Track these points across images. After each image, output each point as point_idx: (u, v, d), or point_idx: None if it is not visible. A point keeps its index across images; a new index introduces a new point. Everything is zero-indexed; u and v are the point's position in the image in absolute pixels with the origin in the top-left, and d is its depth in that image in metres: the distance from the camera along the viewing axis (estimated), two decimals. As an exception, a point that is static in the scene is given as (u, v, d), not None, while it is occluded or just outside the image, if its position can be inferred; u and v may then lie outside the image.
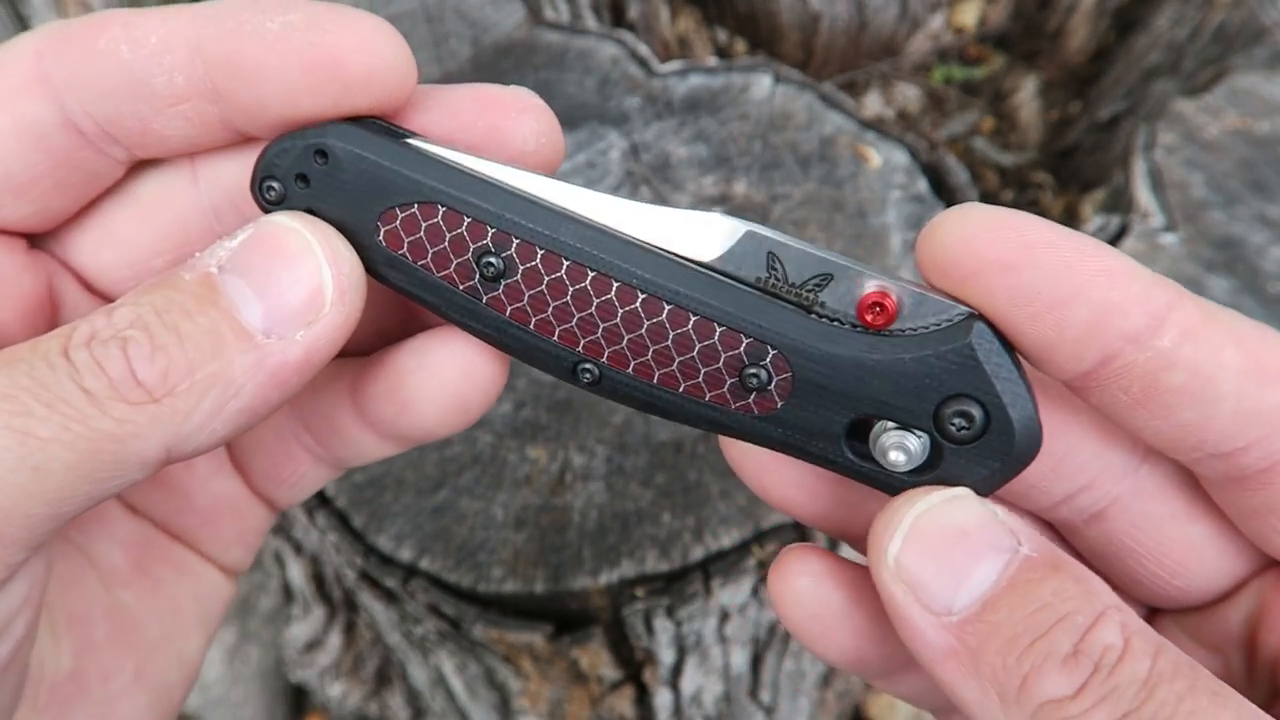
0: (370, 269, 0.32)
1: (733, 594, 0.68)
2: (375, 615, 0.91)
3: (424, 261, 0.31)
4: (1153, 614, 0.35)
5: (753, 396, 0.29)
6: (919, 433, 0.28)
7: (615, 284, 0.29)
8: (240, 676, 1.53)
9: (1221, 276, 0.90)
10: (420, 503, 0.68)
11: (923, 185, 0.82)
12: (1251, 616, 0.31)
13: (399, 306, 0.38)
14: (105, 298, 0.37)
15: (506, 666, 0.76)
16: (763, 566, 0.67)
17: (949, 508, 0.28)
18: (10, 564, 0.28)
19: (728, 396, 0.30)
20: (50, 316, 0.36)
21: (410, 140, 0.32)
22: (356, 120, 0.32)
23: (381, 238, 0.31)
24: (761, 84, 0.88)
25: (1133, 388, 0.28)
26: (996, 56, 1.79)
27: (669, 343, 0.29)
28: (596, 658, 0.74)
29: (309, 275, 0.30)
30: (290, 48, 0.31)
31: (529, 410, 0.70)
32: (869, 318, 0.29)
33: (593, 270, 0.30)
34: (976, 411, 0.28)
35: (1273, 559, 0.31)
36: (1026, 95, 1.72)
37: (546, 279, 0.30)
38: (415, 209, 0.31)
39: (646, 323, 0.30)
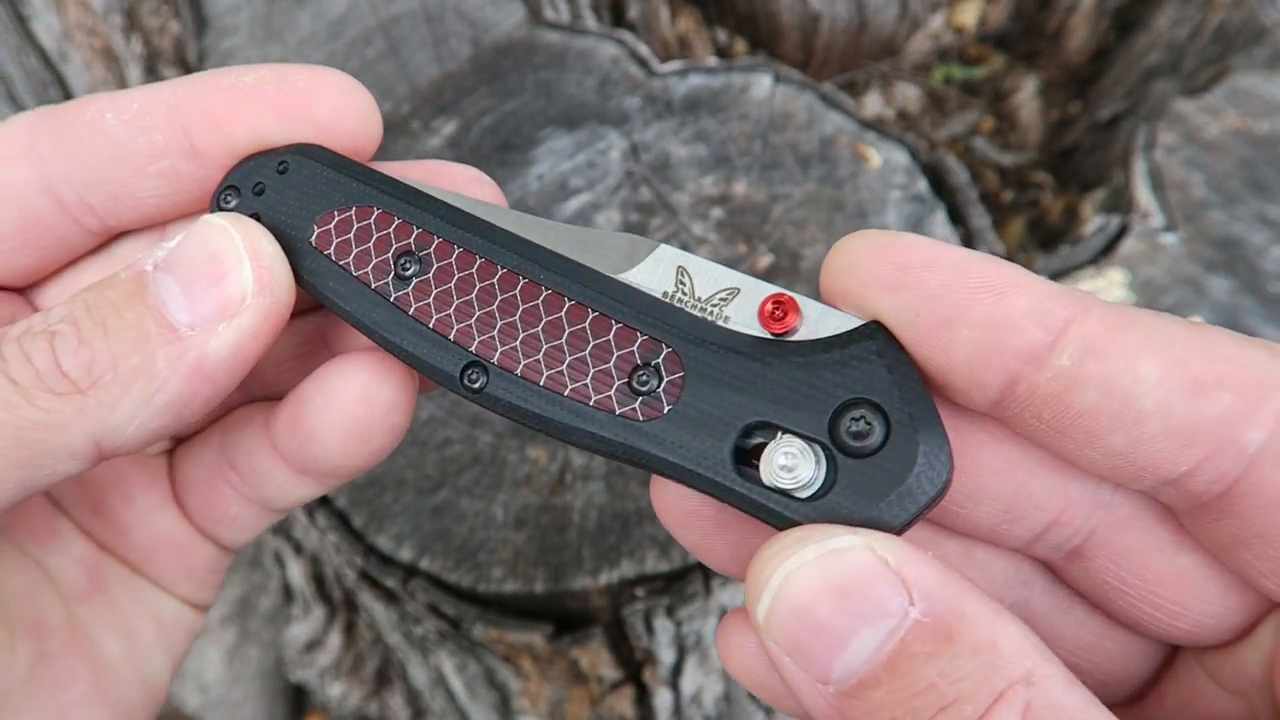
0: (297, 274, 0.33)
1: (733, 594, 0.68)
2: (375, 615, 0.91)
3: (345, 260, 0.32)
4: (1176, 649, 0.31)
5: (639, 401, 0.28)
6: (813, 445, 0.26)
7: (522, 280, 0.30)
8: (240, 676, 1.53)
9: (1221, 276, 0.90)
10: (420, 503, 0.68)
11: (923, 185, 0.81)
12: (1269, 658, 0.27)
13: (325, 349, 0.40)
14: None
15: (506, 666, 0.76)
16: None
17: (826, 562, 0.23)
18: None
19: (613, 401, 0.28)
20: None
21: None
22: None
23: (313, 238, 0.33)
24: (761, 84, 0.88)
25: (1044, 413, 0.25)
26: (996, 56, 1.78)
27: (562, 341, 0.29)
28: (596, 658, 0.74)
29: (231, 269, 0.31)
30: (263, 94, 0.33)
31: (529, 410, 0.70)
32: (769, 317, 0.28)
33: (503, 267, 0.30)
34: (875, 419, 0.25)
35: None
36: (1026, 95, 1.72)
37: (457, 276, 0.31)
38: (352, 211, 0.33)
39: (545, 319, 0.30)
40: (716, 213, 0.80)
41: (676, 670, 0.77)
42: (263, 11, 0.97)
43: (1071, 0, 1.65)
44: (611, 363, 0.29)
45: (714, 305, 0.29)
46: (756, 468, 0.27)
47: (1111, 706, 0.23)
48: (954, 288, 0.25)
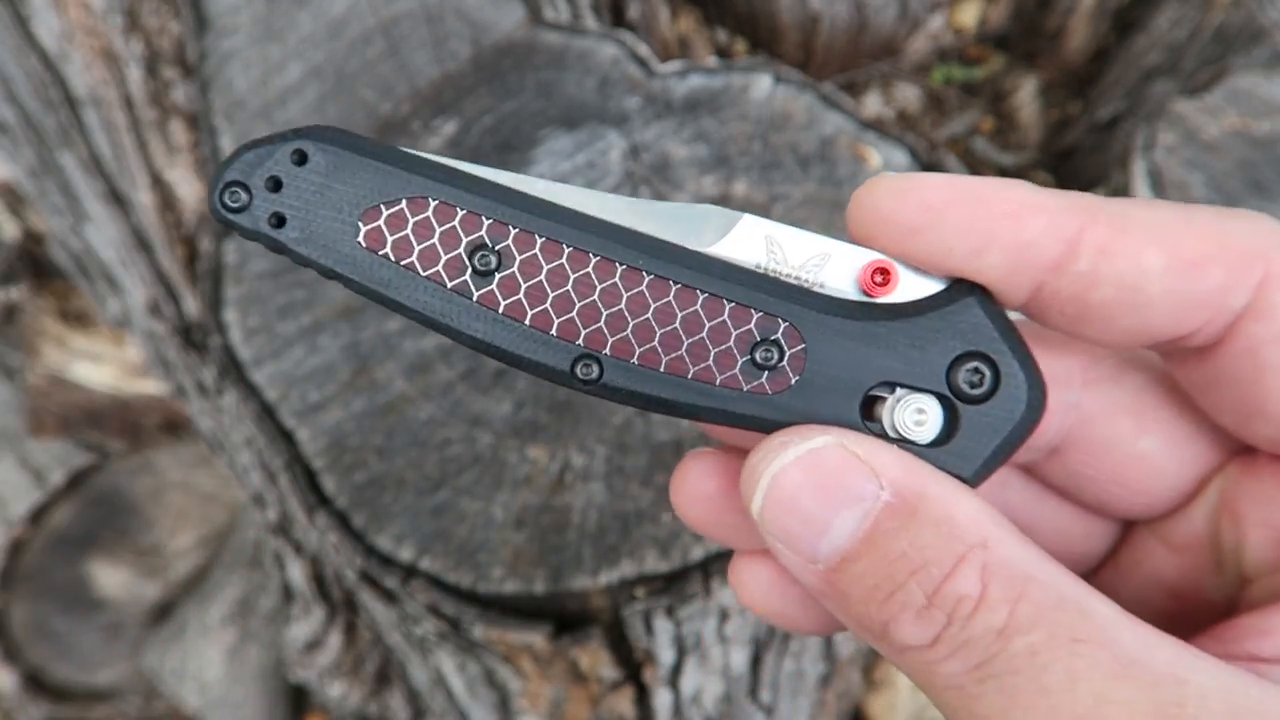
0: (341, 275, 0.30)
1: (732, 594, 0.68)
2: (375, 615, 0.91)
3: (408, 260, 0.29)
4: (1130, 525, 0.36)
5: (765, 375, 0.29)
6: (932, 396, 0.29)
7: (620, 267, 0.29)
8: (240, 676, 1.53)
9: (1221, 277, 0.90)
10: (420, 503, 0.68)
11: (922, 185, 0.82)
12: (1213, 514, 0.32)
13: None
14: None
15: (506, 666, 0.76)
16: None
17: (805, 462, 0.27)
18: None
19: (740, 379, 0.29)
20: None
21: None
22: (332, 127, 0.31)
23: (361, 238, 0.29)
24: (761, 84, 0.88)
25: (1067, 309, 0.29)
26: (996, 56, 1.79)
27: (677, 325, 0.29)
28: (596, 658, 0.74)
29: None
30: None
31: (529, 410, 0.70)
32: (874, 283, 0.30)
33: (595, 255, 0.29)
34: (986, 368, 0.29)
35: (1229, 456, 0.32)
36: (1026, 95, 1.72)
37: (546, 268, 0.29)
38: (403, 204, 0.29)
39: (653, 305, 0.29)
40: (716, 213, 0.80)
41: (676, 670, 0.77)
42: (263, 12, 0.97)
43: (1071, 1, 1.65)
44: (731, 342, 0.29)
45: (808, 272, 0.30)
46: (877, 419, 0.30)
47: None
48: (978, 220, 0.28)
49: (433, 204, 0.29)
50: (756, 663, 0.83)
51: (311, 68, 0.94)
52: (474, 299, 0.29)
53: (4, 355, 1.81)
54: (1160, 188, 0.96)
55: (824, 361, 0.29)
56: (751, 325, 0.29)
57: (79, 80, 0.92)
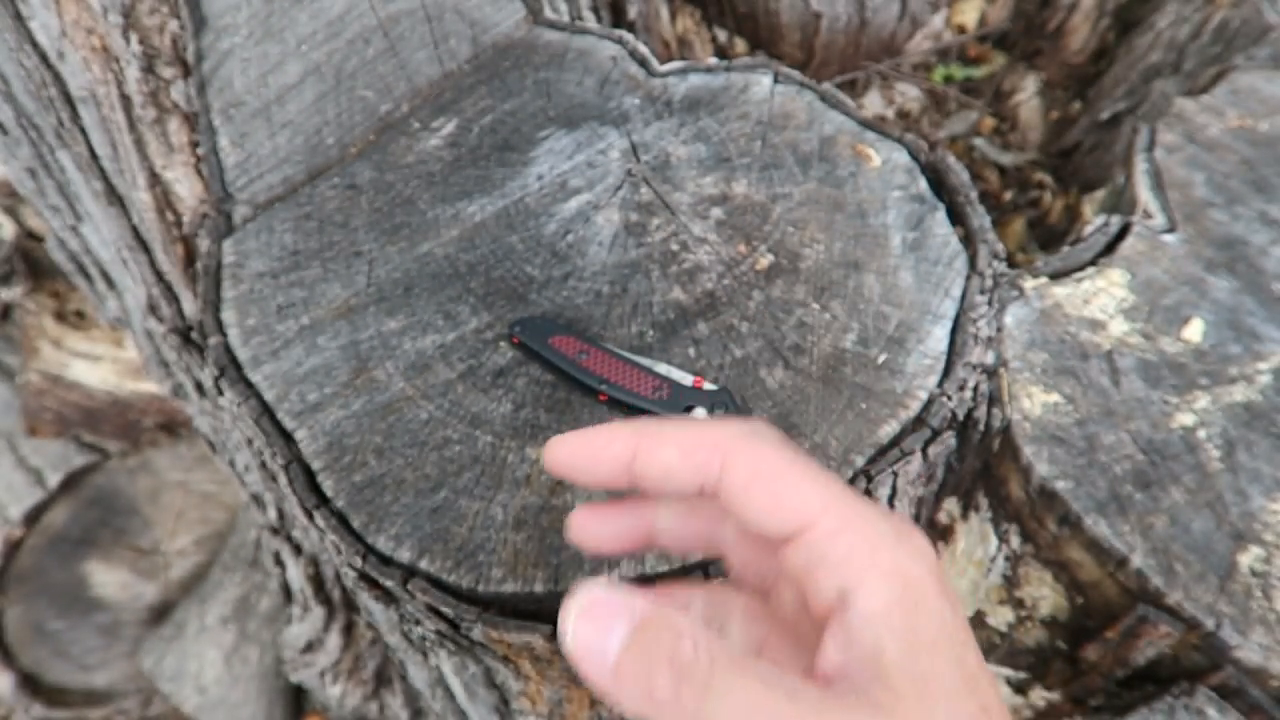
0: (540, 358, 0.71)
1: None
2: (374, 616, 0.90)
3: (560, 351, 0.70)
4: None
5: (658, 395, 0.67)
6: (708, 411, 0.65)
7: (609, 354, 0.70)
8: (240, 677, 1.53)
9: (1222, 276, 0.90)
10: (420, 503, 0.67)
11: (923, 185, 0.81)
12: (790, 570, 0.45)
13: None
14: None
15: (506, 667, 0.75)
16: (763, 567, 0.67)
17: (585, 592, 0.42)
18: None
19: (650, 392, 0.68)
20: None
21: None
22: (539, 318, 0.74)
23: (550, 342, 0.70)
24: (761, 84, 0.88)
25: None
26: (996, 56, 1.78)
27: (633, 374, 0.69)
28: (596, 659, 0.73)
29: None
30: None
31: (529, 410, 0.70)
32: (697, 378, 0.68)
33: (609, 355, 0.70)
34: (724, 409, 0.65)
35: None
36: (1027, 95, 1.72)
37: (601, 357, 0.69)
38: (559, 336, 0.70)
39: (624, 368, 0.69)
40: (716, 213, 0.80)
41: (676, 671, 0.77)
42: (261, 11, 0.96)
43: (1072, 0, 1.65)
44: (650, 382, 0.68)
45: (671, 373, 0.70)
46: (690, 413, 0.66)
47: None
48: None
49: (567, 337, 0.70)
50: (757, 663, 0.82)
51: (310, 66, 0.94)
52: (580, 364, 0.69)
53: (1, 355, 1.81)
54: (1161, 187, 0.95)
55: (672, 399, 0.67)
56: (656, 380, 0.68)
57: (76, 79, 0.92)
